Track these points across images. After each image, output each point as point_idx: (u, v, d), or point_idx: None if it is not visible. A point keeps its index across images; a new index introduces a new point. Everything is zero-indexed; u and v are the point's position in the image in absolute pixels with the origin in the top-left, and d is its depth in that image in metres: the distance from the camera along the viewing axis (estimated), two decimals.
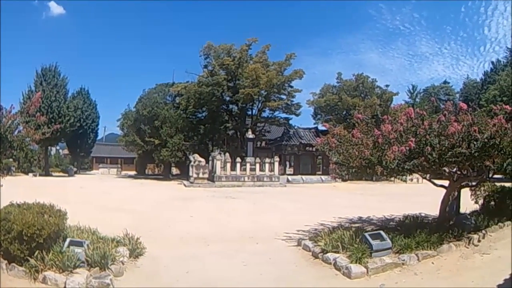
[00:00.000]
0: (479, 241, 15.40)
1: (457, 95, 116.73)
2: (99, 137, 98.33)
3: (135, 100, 70.63)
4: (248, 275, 11.64)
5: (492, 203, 19.68)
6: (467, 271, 12.03)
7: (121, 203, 29.88)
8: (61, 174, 72.36)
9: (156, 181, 60.65)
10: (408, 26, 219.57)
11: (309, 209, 27.83)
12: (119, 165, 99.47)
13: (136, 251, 13.03)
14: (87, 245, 11.39)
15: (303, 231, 17.59)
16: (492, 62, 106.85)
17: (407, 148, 13.45)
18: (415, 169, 14.56)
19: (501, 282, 10.49)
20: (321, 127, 68.54)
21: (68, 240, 11.37)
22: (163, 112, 63.38)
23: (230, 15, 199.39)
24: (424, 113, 14.79)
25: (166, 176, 69.61)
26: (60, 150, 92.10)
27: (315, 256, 13.44)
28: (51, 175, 68.97)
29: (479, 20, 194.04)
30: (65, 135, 69.18)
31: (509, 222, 18.58)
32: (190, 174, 54.89)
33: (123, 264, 11.54)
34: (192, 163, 55.21)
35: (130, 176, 74.95)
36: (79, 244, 11.17)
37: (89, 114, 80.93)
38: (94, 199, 32.05)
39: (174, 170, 75.96)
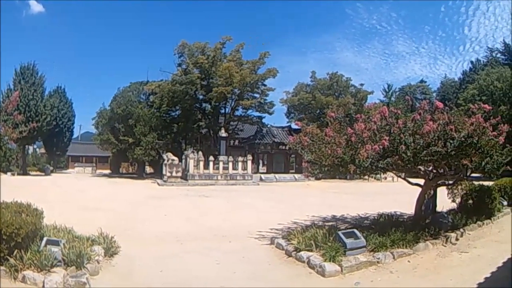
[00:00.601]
0: (457, 239, 15.54)
1: (434, 94, 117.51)
2: (74, 136, 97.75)
3: (110, 98, 70.38)
4: (222, 274, 11.53)
5: (470, 201, 19.69)
6: (445, 269, 11.99)
7: (95, 202, 29.28)
8: (38, 173, 71.69)
9: (130, 180, 60.19)
10: (385, 26, 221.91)
11: (282, 208, 27.71)
12: (94, 164, 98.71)
13: (111, 250, 12.85)
14: (63, 244, 11.27)
15: (276, 229, 17.48)
16: (472, 62, 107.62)
17: (381, 146, 13.38)
18: (389, 167, 14.58)
19: (482, 280, 10.41)
20: (294, 125, 68.32)
21: (45, 239, 11.18)
22: (137, 110, 62.96)
23: (206, 14, 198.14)
24: (399, 111, 14.78)
25: (140, 175, 69.43)
26: (37, 149, 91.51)
27: (289, 254, 13.30)
28: (29, 174, 68.39)
29: (460, 20, 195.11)
30: (42, 134, 68.84)
31: (488, 221, 18.98)
32: (164, 172, 54.73)
33: (98, 263, 11.37)
34: (165, 161, 55.13)
35: (104, 175, 74.58)
36: (56, 243, 11.00)
37: (65, 112, 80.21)
38: (69, 198, 31.75)
39: (148, 169, 75.53)
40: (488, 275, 10.86)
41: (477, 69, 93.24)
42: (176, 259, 13.20)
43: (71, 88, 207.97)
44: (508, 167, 16.43)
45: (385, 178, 17.15)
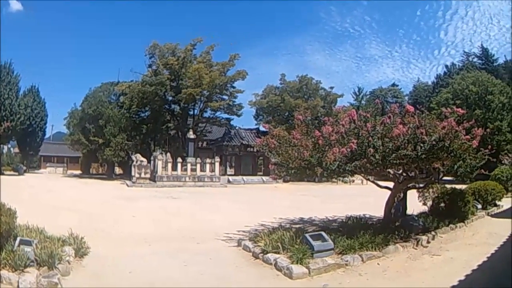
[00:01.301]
0: (428, 242, 15.52)
1: (406, 97, 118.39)
2: (46, 136, 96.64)
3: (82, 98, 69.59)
4: (190, 275, 11.39)
5: (442, 204, 19.67)
6: (416, 272, 11.89)
7: (65, 202, 28.99)
8: (12, 172, 70.31)
9: (100, 181, 59.50)
10: (358, 29, 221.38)
11: (250, 210, 27.64)
12: (65, 164, 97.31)
13: (81, 251, 12.64)
14: (35, 244, 11.08)
15: (244, 231, 17.32)
16: (446, 66, 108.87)
17: (349, 149, 13.24)
18: (357, 170, 14.39)
19: (456, 283, 10.31)
20: (263, 128, 68.21)
21: (18, 239, 10.97)
22: (108, 111, 62.36)
23: (179, 15, 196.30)
24: (368, 115, 14.66)
25: (109, 175, 68.35)
26: (12, 149, 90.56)
27: (256, 256, 13.14)
28: (3, 174, 67.30)
29: (436, 24, 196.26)
30: (16, 133, 67.91)
31: (462, 224, 19.09)
32: (132, 174, 54.00)
33: (69, 263, 11.17)
34: (134, 163, 54.45)
35: (75, 176, 73.49)
36: (28, 243, 10.76)
37: (38, 112, 78.40)
38: (41, 198, 31.27)
39: (117, 170, 74.51)
40: (462, 277, 10.73)
41: (452, 73, 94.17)
42: (145, 260, 12.98)
43: (44, 87, 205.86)
44: (483, 170, 16.57)
45: (353, 181, 17.04)
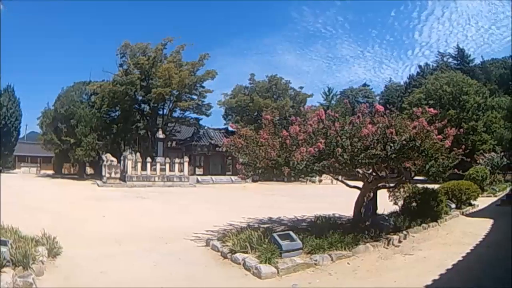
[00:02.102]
0: (400, 241, 15.42)
1: (378, 97, 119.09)
2: (21, 136, 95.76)
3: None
4: (159, 275, 11.29)
5: (414, 204, 19.53)
6: (388, 271, 11.74)
7: (38, 202, 28.83)
8: None
9: (72, 181, 58.89)
10: (330, 29, 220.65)
11: (218, 209, 27.47)
12: (38, 165, 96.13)
13: (53, 251, 12.48)
14: (10, 244, 11.01)
15: (212, 231, 17.12)
16: (420, 66, 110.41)
17: (316, 149, 13.11)
18: (326, 170, 14.32)
19: (430, 282, 10.16)
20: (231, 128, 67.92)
21: None
22: (79, 111, 61.61)
23: (150, 14, 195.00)
24: (336, 115, 14.53)
25: (81, 176, 67.49)
26: None
27: (224, 256, 13.00)
28: None
29: (410, 25, 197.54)
30: None
31: (435, 223, 19.00)
32: (103, 174, 53.40)
33: (43, 263, 10.99)
34: (104, 162, 53.80)
35: (48, 176, 72.74)
36: (4, 243, 10.74)
37: (13, 112, 77.94)
38: (14, 198, 31.02)
39: (89, 170, 73.14)
40: (437, 277, 10.58)
41: (425, 74, 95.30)
42: (115, 260, 12.83)
43: (18, 86, 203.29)
44: (456, 170, 16.60)
45: (321, 180, 16.97)
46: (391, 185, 18.51)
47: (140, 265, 12.43)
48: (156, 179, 53.69)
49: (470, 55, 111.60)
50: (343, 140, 13.49)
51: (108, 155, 56.22)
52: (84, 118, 61.16)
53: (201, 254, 13.93)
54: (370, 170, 16.50)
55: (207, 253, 13.97)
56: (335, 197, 29.65)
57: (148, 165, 54.23)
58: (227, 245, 13.56)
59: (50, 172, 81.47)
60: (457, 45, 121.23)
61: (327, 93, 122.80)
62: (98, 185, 50.77)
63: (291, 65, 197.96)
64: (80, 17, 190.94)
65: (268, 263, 11.43)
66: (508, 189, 40.37)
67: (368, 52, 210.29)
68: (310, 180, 16.60)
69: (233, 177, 59.69)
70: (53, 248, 12.71)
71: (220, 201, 34.51)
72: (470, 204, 26.22)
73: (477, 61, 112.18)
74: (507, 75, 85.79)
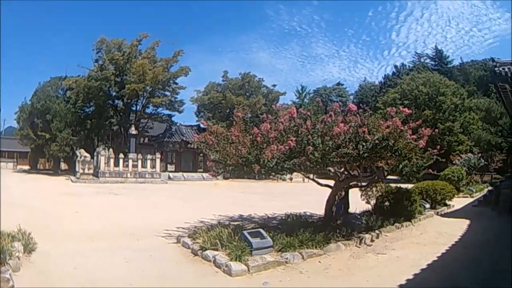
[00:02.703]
0: (372, 240, 15.31)
1: (351, 97, 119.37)
2: None
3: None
4: (131, 272, 11.17)
5: (387, 203, 19.47)
6: (360, 270, 11.62)
7: (13, 198, 28.05)
8: None
9: (46, 176, 58.46)
10: (305, 28, 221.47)
11: (189, 207, 27.44)
12: (15, 160, 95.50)
13: (29, 247, 12.40)
14: None
15: (183, 228, 16.94)
16: (396, 66, 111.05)
17: (287, 147, 12.94)
18: (296, 168, 14.20)
19: (403, 282, 10.06)
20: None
21: None
22: (55, 106, 61.08)
23: (125, 10, 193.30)
24: (308, 113, 14.41)
25: (55, 171, 66.89)
26: None
27: (195, 253, 12.90)
28: None
29: (388, 25, 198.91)
30: None
31: (408, 223, 18.94)
32: (77, 169, 52.97)
33: (19, 259, 10.93)
34: (78, 158, 53.34)
35: (24, 171, 72.39)
36: None
37: None
38: None
39: (63, 165, 72.51)
40: (410, 276, 10.49)
41: (401, 74, 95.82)
42: (88, 256, 12.66)
43: None
44: (431, 170, 16.62)
45: (291, 178, 16.97)
46: (364, 184, 18.36)
47: (112, 262, 12.29)
48: (129, 175, 53.29)
49: (448, 57, 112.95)
50: (314, 138, 13.33)
51: (82, 150, 55.75)
52: (60, 113, 60.76)
53: (172, 251, 13.81)
54: (342, 169, 16.29)
55: (177, 250, 13.84)
56: (306, 195, 29.62)
57: (121, 161, 53.78)
58: (197, 242, 13.42)
59: (26, 167, 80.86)
60: (435, 46, 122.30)
61: (300, 92, 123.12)
62: (71, 180, 50.38)
63: (265, 63, 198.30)
64: (54, 15, 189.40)
65: (239, 261, 11.30)
66: (485, 190, 40.53)
67: (343, 51, 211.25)
68: (280, 178, 16.58)
69: (204, 174, 59.22)
70: (29, 244, 12.63)
71: (191, 198, 34.37)
72: (446, 205, 26.28)
73: (456, 62, 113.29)
74: (486, 77, 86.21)
